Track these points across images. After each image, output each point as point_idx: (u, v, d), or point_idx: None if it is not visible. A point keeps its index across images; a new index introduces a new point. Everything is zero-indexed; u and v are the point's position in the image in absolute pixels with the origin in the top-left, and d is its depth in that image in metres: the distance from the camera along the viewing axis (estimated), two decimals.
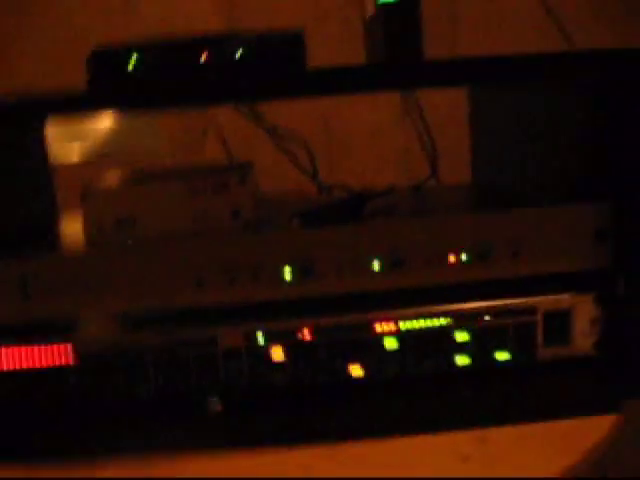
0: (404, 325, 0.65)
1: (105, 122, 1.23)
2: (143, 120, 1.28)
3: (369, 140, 1.24)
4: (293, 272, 0.63)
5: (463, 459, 0.61)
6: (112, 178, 0.72)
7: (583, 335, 0.67)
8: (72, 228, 0.84)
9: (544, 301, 0.66)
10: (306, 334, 0.65)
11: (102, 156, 1.18)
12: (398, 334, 0.65)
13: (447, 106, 1.05)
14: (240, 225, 0.64)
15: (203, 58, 0.66)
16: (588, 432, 0.64)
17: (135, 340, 0.65)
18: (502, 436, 0.64)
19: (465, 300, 0.65)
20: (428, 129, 1.06)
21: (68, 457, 0.65)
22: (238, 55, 0.65)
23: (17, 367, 0.65)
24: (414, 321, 0.65)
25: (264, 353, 0.65)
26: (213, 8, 1.32)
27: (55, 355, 0.65)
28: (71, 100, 0.64)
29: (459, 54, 1.17)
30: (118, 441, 0.65)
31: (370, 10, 0.75)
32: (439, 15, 1.17)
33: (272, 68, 0.65)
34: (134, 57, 0.66)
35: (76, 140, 1.20)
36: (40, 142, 0.94)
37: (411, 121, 1.06)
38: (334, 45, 1.02)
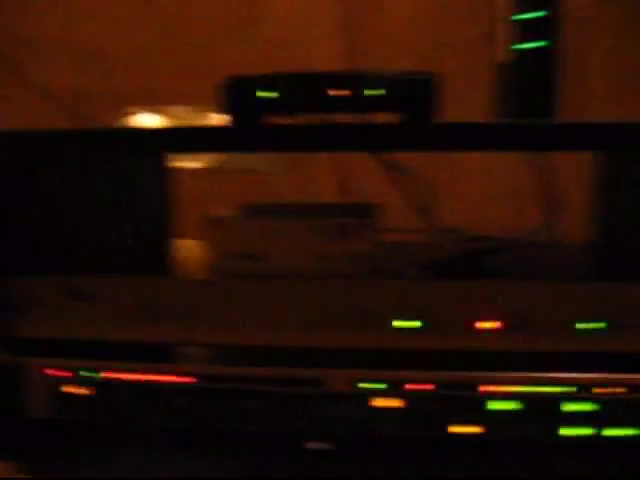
0: (515, 389, 0.63)
1: None
2: None
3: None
4: (406, 323, 0.63)
5: None
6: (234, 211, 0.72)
7: None
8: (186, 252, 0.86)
9: None
10: (414, 387, 0.64)
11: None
12: (510, 397, 0.63)
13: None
14: (361, 271, 0.63)
15: (333, 93, 0.66)
16: None
17: (244, 373, 0.65)
18: None
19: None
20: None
21: None
22: (367, 94, 0.65)
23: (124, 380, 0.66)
24: (527, 386, 0.63)
25: (369, 401, 0.64)
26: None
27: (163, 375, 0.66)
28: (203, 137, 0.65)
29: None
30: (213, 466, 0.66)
31: (503, 56, 0.74)
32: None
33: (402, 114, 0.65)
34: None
35: None
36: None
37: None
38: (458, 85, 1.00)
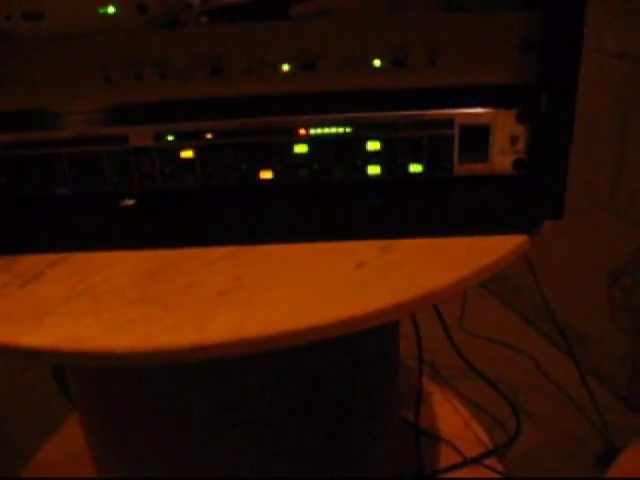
0: (314, 131, 0.63)
1: None
2: None
3: None
4: (203, 72, 0.62)
5: (357, 265, 0.61)
6: None
7: (502, 153, 0.65)
8: None
9: (462, 114, 0.63)
10: (215, 135, 0.64)
11: None
12: (308, 139, 0.64)
13: None
14: (147, 21, 0.61)
15: None
16: (492, 249, 0.64)
17: (48, 137, 0.64)
18: (404, 247, 0.64)
19: (378, 108, 0.63)
20: None
21: None
22: None
23: None
24: (325, 128, 0.63)
25: (174, 153, 0.65)
26: None
27: None
28: None
29: None
30: (38, 233, 0.67)
31: None
32: None
33: None
34: None
35: None
36: None
37: None
38: None
